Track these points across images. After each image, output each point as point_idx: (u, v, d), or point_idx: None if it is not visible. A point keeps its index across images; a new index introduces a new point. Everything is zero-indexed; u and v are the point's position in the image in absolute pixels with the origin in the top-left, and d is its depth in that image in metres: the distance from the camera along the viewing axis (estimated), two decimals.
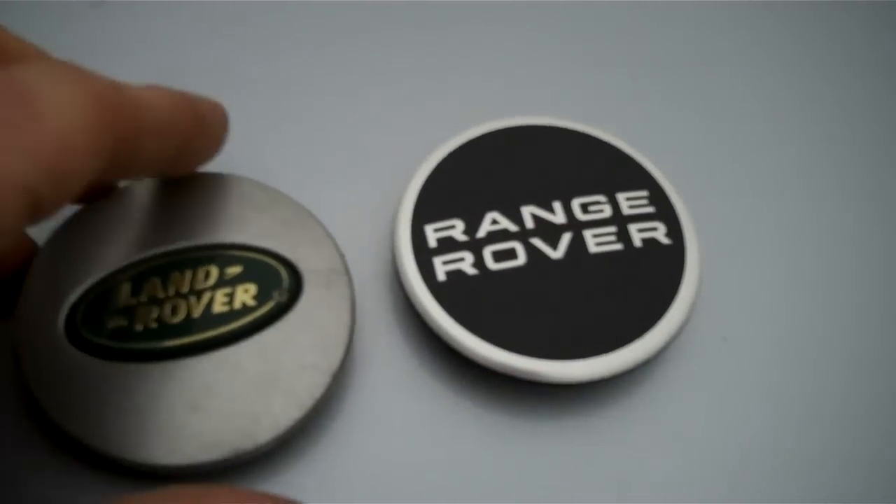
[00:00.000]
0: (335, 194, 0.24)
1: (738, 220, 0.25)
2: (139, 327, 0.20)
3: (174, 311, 0.20)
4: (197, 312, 0.20)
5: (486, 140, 0.23)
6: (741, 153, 0.27)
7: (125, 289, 0.20)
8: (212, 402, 0.19)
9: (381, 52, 0.28)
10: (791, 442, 0.21)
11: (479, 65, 0.28)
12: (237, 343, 0.20)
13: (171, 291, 0.20)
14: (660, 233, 0.22)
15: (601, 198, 0.23)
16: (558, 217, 0.22)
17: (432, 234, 0.21)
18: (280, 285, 0.20)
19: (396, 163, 0.25)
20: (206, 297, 0.20)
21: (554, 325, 0.20)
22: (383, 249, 0.23)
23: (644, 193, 0.23)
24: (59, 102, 0.14)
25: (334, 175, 0.25)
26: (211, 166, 0.21)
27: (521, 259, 0.21)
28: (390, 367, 0.22)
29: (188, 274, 0.20)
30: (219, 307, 0.20)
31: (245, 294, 0.20)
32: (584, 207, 0.22)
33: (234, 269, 0.21)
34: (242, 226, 0.21)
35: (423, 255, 0.21)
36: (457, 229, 0.22)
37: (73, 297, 0.20)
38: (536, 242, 0.21)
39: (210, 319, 0.20)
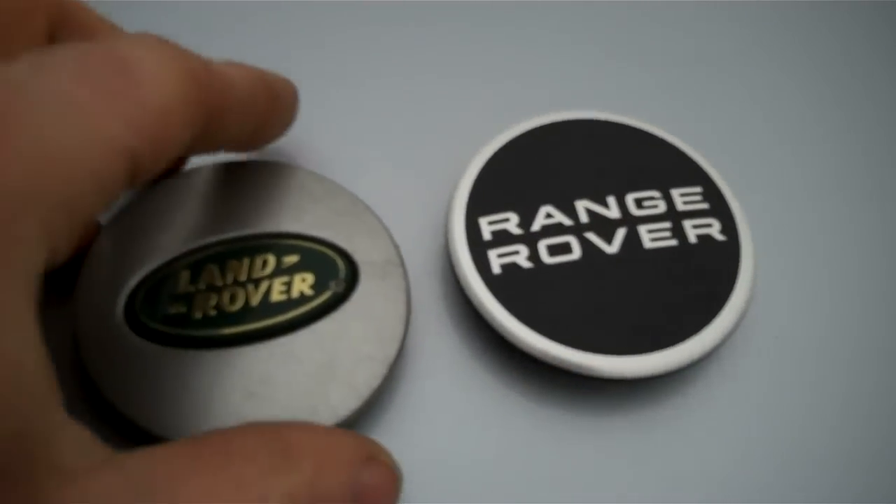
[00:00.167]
0: (388, 186, 0.24)
1: (791, 218, 0.25)
2: (198, 314, 0.20)
3: (232, 299, 0.20)
4: (255, 301, 0.20)
5: (539, 133, 0.23)
6: (795, 150, 0.26)
7: (185, 276, 0.20)
8: (269, 391, 0.19)
9: (437, 45, 0.28)
10: (843, 441, 0.21)
11: (534, 58, 0.28)
12: (294, 332, 0.20)
13: (230, 279, 0.20)
14: (714, 229, 0.22)
15: (655, 193, 0.22)
16: (613, 212, 0.22)
17: (487, 227, 0.21)
18: (337, 275, 0.20)
19: (450, 155, 0.25)
20: (263, 286, 0.20)
21: (608, 320, 0.20)
22: (436, 241, 0.24)
23: (698, 189, 0.23)
24: (157, 73, 0.14)
25: (387, 167, 0.25)
26: (268, 156, 0.22)
27: (576, 253, 0.21)
28: (442, 359, 0.22)
29: (246, 262, 0.20)
30: (276, 296, 0.20)
31: (302, 283, 0.20)
32: (639, 203, 0.22)
33: (291, 259, 0.21)
34: (299, 215, 0.21)
35: (478, 248, 0.21)
36: (511, 222, 0.22)
37: (132, 283, 0.20)
38: (591, 237, 0.21)
39: (268, 308, 0.20)
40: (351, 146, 0.25)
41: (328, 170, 0.23)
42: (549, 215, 0.22)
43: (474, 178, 0.22)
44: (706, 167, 0.23)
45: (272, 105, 0.19)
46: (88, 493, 0.13)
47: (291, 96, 0.21)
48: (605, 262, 0.21)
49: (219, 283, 0.20)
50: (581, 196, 0.22)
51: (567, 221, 0.22)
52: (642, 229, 0.22)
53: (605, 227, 0.22)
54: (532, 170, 0.23)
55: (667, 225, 0.22)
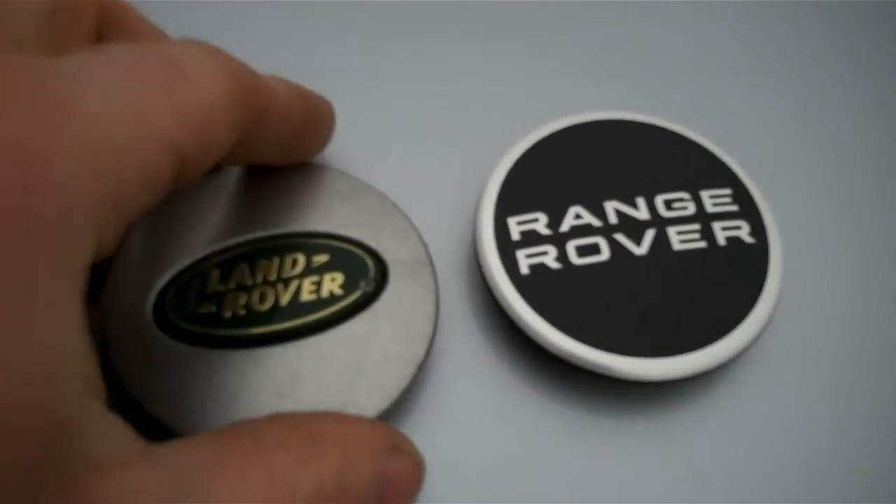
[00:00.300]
0: (417, 185, 0.24)
1: (820, 220, 0.25)
2: (227, 314, 0.20)
3: (262, 298, 0.20)
4: (284, 300, 0.20)
5: (567, 133, 0.23)
6: (825, 151, 0.26)
7: (215, 275, 0.20)
8: (297, 390, 0.19)
9: (466, 45, 0.28)
10: (871, 446, 0.21)
11: (565, 59, 0.28)
12: (324, 332, 0.19)
13: (259, 279, 0.20)
14: (744, 231, 0.22)
15: (685, 195, 0.22)
16: (642, 213, 0.22)
17: (515, 227, 0.21)
18: (367, 275, 0.20)
19: (478, 155, 0.25)
20: (293, 285, 0.20)
21: (637, 321, 0.20)
22: (464, 241, 0.24)
23: (727, 191, 0.23)
24: (207, 73, 0.15)
25: (416, 166, 0.25)
26: None
27: (605, 254, 0.21)
28: (469, 358, 0.22)
29: (275, 261, 0.20)
30: (306, 295, 0.20)
31: (332, 283, 0.20)
32: (668, 204, 0.22)
33: (321, 258, 0.20)
34: (327, 214, 0.21)
35: (507, 248, 0.21)
36: (540, 223, 0.22)
37: (161, 282, 0.20)
38: (620, 238, 0.21)
39: (297, 308, 0.20)
40: (380, 146, 0.25)
41: (357, 170, 0.23)
42: (578, 216, 0.22)
43: (503, 178, 0.22)
44: (736, 169, 0.23)
45: (310, 120, 0.19)
46: (125, 486, 0.13)
47: (328, 114, 0.21)
48: (633, 263, 0.21)
49: (249, 282, 0.20)
50: (610, 197, 0.22)
51: (596, 222, 0.22)
52: (671, 231, 0.22)
53: (634, 229, 0.22)
54: (561, 170, 0.23)
55: (696, 227, 0.22)
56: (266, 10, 0.28)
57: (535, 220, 0.22)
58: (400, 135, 0.25)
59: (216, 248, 0.21)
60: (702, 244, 0.21)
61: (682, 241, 0.21)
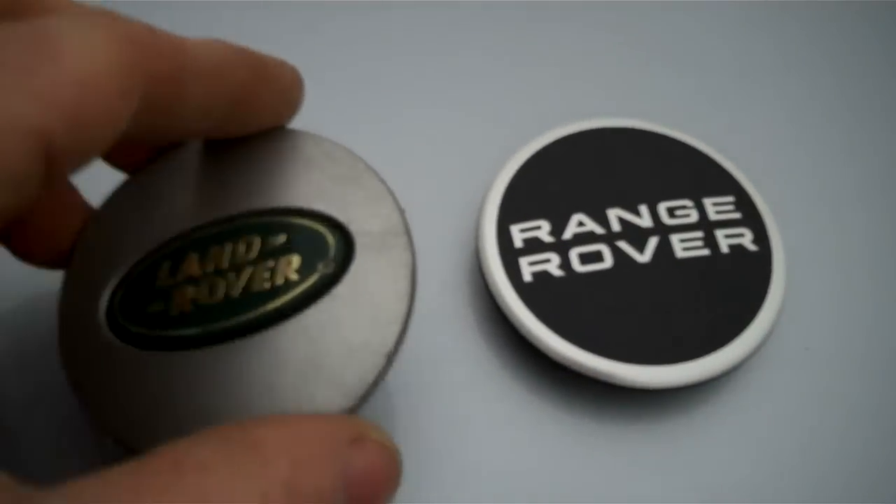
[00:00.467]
0: (419, 192, 0.24)
1: (823, 228, 0.25)
2: (175, 311, 0.17)
3: (212, 290, 0.17)
4: (235, 291, 0.17)
5: (570, 141, 0.23)
6: (827, 160, 0.26)
7: (164, 268, 0.18)
8: (247, 395, 0.16)
9: (469, 52, 0.28)
10: (874, 454, 0.21)
11: (566, 66, 0.28)
12: (278, 325, 0.17)
13: (210, 268, 0.18)
14: (746, 239, 0.22)
15: (688, 202, 0.22)
16: (645, 221, 0.22)
17: (518, 235, 0.21)
18: (326, 254, 0.17)
19: (481, 162, 0.25)
20: (245, 274, 0.17)
21: (639, 329, 0.20)
22: (466, 248, 0.24)
23: (730, 199, 0.23)
24: (81, 45, 0.13)
25: (418, 173, 0.25)
26: None
27: (608, 262, 0.21)
28: (470, 365, 0.22)
29: (228, 247, 0.18)
30: (259, 284, 0.17)
31: (288, 267, 0.17)
32: (671, 212, 0.22)
33: (278, 239, 0.18)
34: (291, 187, 0.18)
35: (510, 256, 0.21)
36: (543, 230, 0.22)
37: (114, 281, 0.18)
38: (623, 246, 0.21)
39: (250, 299, 0.17)
40: (383, 152, 0.25)
41: None
42: (580, 223, 0.22)
43: (506, 186, 0.22)
44: (738, 176, 0.23)
45: (257, 84, 0.17)
46: None
47: (288, 77, 0.18)
48: (636, 271, 0.21)
49: (197, 273, 0.18)
50: (613, 204, 0.22)
51: (599, 230, 0.22)
52: (674, 238, 0.22)
53: (636, 236, 0.22)
54: (564, 178, 0.23)
55: (699, 234, 0.22)
56: (268, 10, 0.28)
57: (538, 228, 0.22)
58: (404, 142, 0.25)
59: (171, 236, 0.18)
60: (705, 252, 0.21)
61: (685, 249, 0.21)
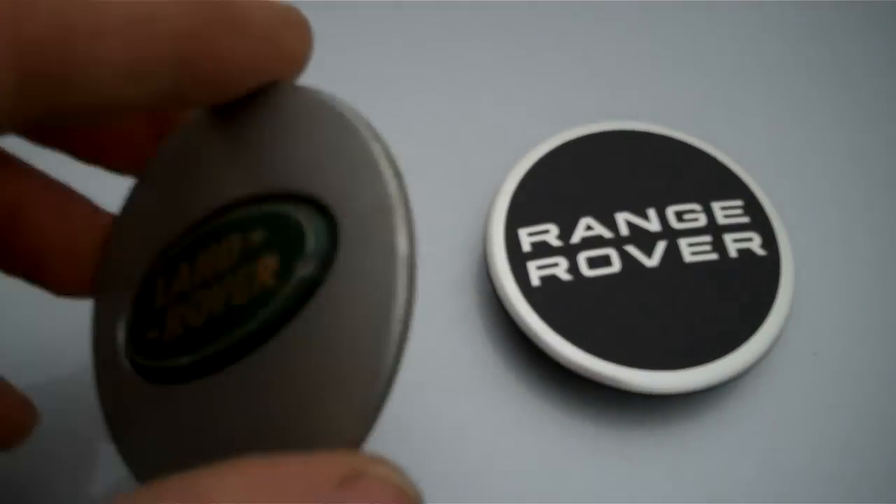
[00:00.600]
0: (427, 195, 0.24)
1: (832, 233, 0.25)
2: (168, 337, 0.15)
3: (198, 309, 0.14)
4: (218, 308, 0.14)
5: (579, 144, 0.23)
6: (836, 165, 0.26)
7: (160, 286, 0.15)
8: (239, 432, 0.14)
9: (478, 54, 0.28)
10: (881, 459, 0.21)
11: (575, 68, 0.28)
12: (261, 348, 0.14)
13: (198, 279, 0.15)
14: (755, 244, 0.22)
15: (696, 206, 0.22)
16: (653, 224, 0.22)
17: (526, 239, 0.21)
18: (302, 251, 0.13)
19: (489, 166, 0.25)
20: (226, 284, 0.14)
21: (647, 334, 0.20)
22: (474, 252, 0.24)
23: (739, 203, 0.23)
24: None
25: (426, 176, 0.25)
26: None
27: (616, 266, 0.21)
28: (480, 370, 0.22)
29: (212, 252, 0.15)
30: (239, 296, 0.14)
31: (265, 272, 0.14)
32: (679, 216, 0.22)
33: (257, 235, 0.14)
34: (270, 163, 0.15)
35: (518, 260, 0.21)
36: (551, 234, 0.22)
37: (128, 302, 0.16)
38: (631, 250, 0.21)
39: (232, 316, 0.14)
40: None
41: None
42: (589, 227, 0.22)
43: (514, 189, 0.22)
44: (747, 180, 0.23)
45: (215, 32, 0.13)
46: None
47: (269, 23, 0.14)
48: (644, 275, 0.21)
49: (187, 287, 0.15)
50: (621, 208, 0.22)
51: (607, 234, 0.22)
52: (682, 243, 0.22)
53: (645, 240, 0.22)
54: (572, 181, 0.23)
55: (707, 238, 0.22)
56: None
57: (546, 232, 0.22)
58: (412, 145, 0.25)
59: (167, 244, 0.16)
60: (713, 256, 0.21)
61: (694, 253, 0.21)
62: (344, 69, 0.27)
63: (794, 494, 0.20)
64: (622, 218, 0.22)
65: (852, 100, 0.28)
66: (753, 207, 0.23)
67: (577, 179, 0.23)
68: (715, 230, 0.22)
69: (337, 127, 0.14)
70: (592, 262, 0.21)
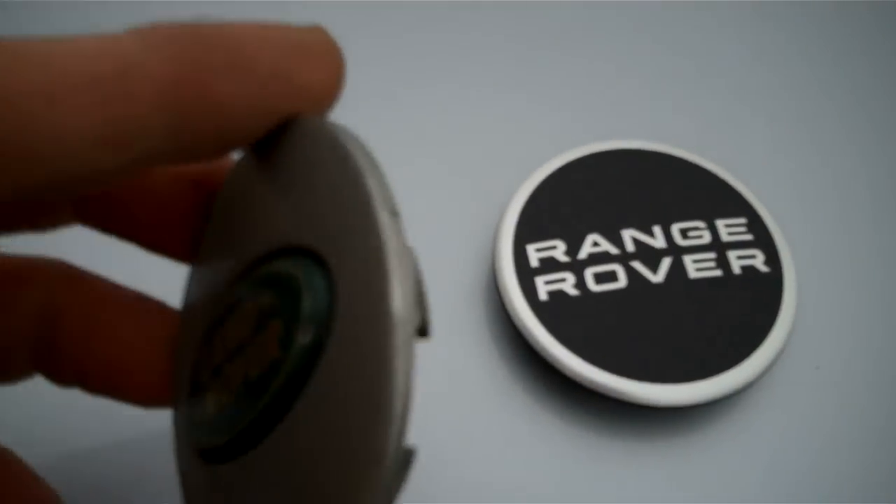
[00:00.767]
0: (435, 211, 0.25)
1: (834, 250, 0.25)
2: (207, 416, 0.14)
3: (227, 383, 0.13)
4: (238, 382, 0.13)
5: (586, 162, 0.24)
6: (839, 181, 0.27)
7: (203, 363, 0.14)
8: None
9: (487, 72, 0.28)
10: (884, 472, 0.21)
11: (583, 88, 0.28)
12: (277, 427, 0.12)
13: (231, 347, 0.14)
14: (758, 260, 0.22)
15: (700, 223, 0.23)
16: (658, 241, 0.22)
17: (534, 254, 0.22)
18: (298, 316, 0.12)
19: (497, 183, 0.25)
20: (248, 355, 0.13)
21: (652, 348, 0.21)
22: (483, 267, 0.24)
23: (742, 220, 0.23)
24: None
25: (435, 193, 0.25)
26: None
27: (622, 282, 0.22)
28: (488, 383, 0.22)
29: (236, 319, 0.14)
30: (254, 368, 0.13)
31: (272, 341, 0.13)
32: (684, 233, 0.23)
33: (266, 298, 0.13)
34: (277, 216, 0.13)
35: (526, 275, 0.22)
36: (558, 250, 0.22)
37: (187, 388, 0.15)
38: (637, 266, 0.22)
39: (251, 391, 0.13)
40: (398, 171, 0.26)
41: None
42: (595, 244, 0.22)
43: (522, 206, 0.23)
44: (750, 198, 0.24)
45: (205, 70, 0.12)
46: None
47: (277, 57, 0.12)
48: (650, 290, 0.22)
49: (220, 359, 0.14)
50: (627, 225, 0.23)
51: (613, 250, 0.22)
52: (687, 259, 0.22)
53: (650, 257, 0.22)
54: (579, 198, 0.23)
55: (711, 255, 0.22)
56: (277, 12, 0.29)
57: (554, 248, 0.22)
58: (420, 162, 0.26)
59: (209, 322, 0.15)
60: (717, 272, 0.22)
61: (698, 270, 0.22)
62: (353, 90, 0.28)
63: None
64: (628, 235, 0.22)
65: (855, 118, 0.28)
66: (756, 225, 0.23)
67: (584, 197, 0.23)
68: (719, 247, 0.22)
69: (339, 169, 0.12)
70: (599, 278, 0.22)
